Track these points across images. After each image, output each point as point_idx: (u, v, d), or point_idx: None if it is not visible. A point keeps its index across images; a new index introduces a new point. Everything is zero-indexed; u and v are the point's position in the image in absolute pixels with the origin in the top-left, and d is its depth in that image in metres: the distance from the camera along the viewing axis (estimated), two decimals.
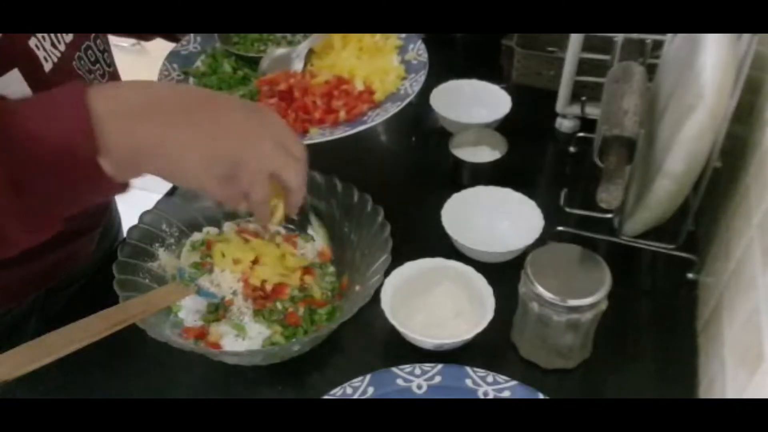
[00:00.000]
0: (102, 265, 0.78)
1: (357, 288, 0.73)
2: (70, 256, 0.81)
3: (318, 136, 0.78)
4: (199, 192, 0.60)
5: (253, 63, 0.92)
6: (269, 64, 0.91)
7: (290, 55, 0.91)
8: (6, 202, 0.48)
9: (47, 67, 0.67)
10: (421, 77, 0.87)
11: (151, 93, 0.52)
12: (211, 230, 0.80)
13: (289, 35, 0.99)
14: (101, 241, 0.88)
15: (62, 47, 0.70)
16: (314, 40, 0.92)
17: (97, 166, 0.48)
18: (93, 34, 0.75)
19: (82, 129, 0.47)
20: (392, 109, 0.80)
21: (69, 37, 0.71)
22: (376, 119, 0.79)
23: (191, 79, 0.90)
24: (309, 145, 0.63)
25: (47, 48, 0.67)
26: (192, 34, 0.95)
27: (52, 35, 0.68)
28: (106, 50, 0.79)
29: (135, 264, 0.73)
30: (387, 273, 0.71)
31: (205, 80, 0.90)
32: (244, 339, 0.69)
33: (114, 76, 0.81)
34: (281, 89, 0.84)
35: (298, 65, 0.90)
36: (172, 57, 0.91)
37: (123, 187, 0.52)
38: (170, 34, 0.93)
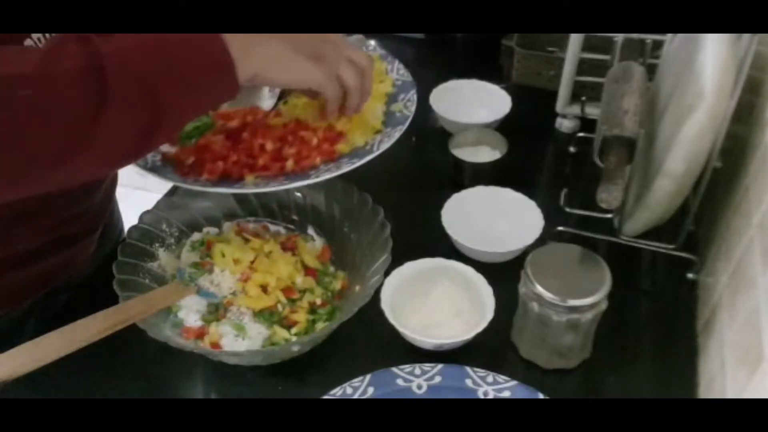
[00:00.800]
0: (102, 267, 0.77)
1: (357, 288, 0.73)
2: (69, 259, 0.81)
3: (251, 185, 0.68)
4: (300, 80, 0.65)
5: None
6: (240, 96, 0.70)
7: (264, 89, 0.77)
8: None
9: None
10: (395, 134, 0.75)
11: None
12: (211, 230, 0.80)
13: None
14: (101, 243, 0.88)
15: None
16: None
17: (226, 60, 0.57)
18: None
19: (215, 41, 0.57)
20: (345, 166, 0.69)
21: None
22: (324, 174, 0.68)
23: None
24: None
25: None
26: None
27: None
28: None
29: (135, 264, 0.73)
30: (387, 273, 0.71)
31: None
32: (244, 339, 0.69)
33: None
34: (232, 126, 0.74)
35: (268, 102, 0.77)
36: None
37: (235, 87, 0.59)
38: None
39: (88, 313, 0.69)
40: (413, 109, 0.78)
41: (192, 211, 0.80)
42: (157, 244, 0.76)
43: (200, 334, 0.70)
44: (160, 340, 0.62)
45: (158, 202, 0.79)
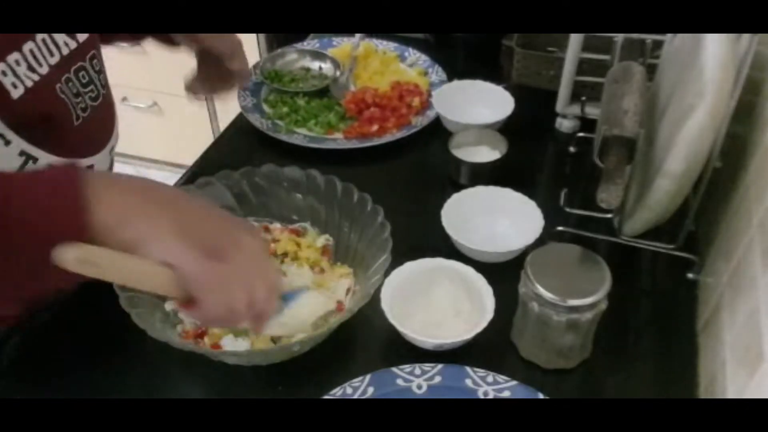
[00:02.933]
0: (85, 285, 0.76)
1: (357, 288, 0.73)
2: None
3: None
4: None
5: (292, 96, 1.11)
6: (336, 90, 1.11)
7: (342, 79, 1.13)
8: None
9: (15, 93, 0.62)
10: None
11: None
12: None
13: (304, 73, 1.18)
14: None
15: (44, 69, 0.65)
16: (353, 64, 1.15)
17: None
18: (89, 54, 0.72)
19: (70, 191, 0.47)
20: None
21: (55, 59, 0.67)
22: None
23: (280, 122, 1.05)
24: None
25: (21, 73, 0.63)
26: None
27: (32, 59, 0.64)
28: (102, 71, 0.76)
29: None
30: (387, 273, 0.71)
31: (294, 116, 1.07)
32: (244, 339, 0.69)
33: (107, 98, 0.77)
34: (370, 101, 1.05)
35: (351, 87, 1.12)
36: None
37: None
38: (164, 36, 0.92)
39: (71, 331, 0.71)
40: None
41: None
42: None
43: (200, 335, 0.70)
44: (160, 340, 0.62)
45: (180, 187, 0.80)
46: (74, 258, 0.46)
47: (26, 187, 0.48)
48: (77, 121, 0.71)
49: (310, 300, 0.68)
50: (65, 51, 0.68)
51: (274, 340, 0.69)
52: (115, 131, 0.80)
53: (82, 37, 0.70)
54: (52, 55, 0.67)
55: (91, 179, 0.49)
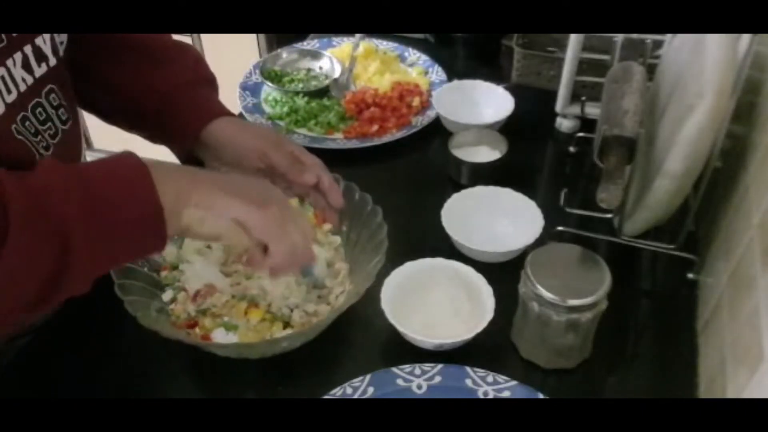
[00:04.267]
0: (61, 311, 0.76)
1: (350, 287, 0.73)
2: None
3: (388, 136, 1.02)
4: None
5: (292, 96, 1.11)
6: (336, 90, 1.12)
7: (343, 79, 1.14)
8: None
9: None
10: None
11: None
12: None
13: (304, 74, 1.18)
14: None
15: (0, 109, 0.61)
16: (353, 64, 1.14)
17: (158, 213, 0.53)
18: (46, 89, 0.66)
19: (141, 177, 0.53)
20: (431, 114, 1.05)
21: (12, 96, 0.62)
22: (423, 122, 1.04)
23: (281, 122, 1.06)
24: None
25: None
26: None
27: None
28: (62, 105, 0.69)
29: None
30: (386, 273, 0.71)
31: (294, 116, 1.07)
32: (234, 333, 0.70)
33: (70, 134, 0.71)
34: (370, 101, 1.06)
35: (352, 87, 1.13)
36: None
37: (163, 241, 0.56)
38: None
39: (50, 356, 0.71)
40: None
41: None
42: (231, 259, 0.76)
43: (191, 326, 0.71)
44: (151, 328, 0.63)
45: None
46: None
47: (104, 179, 0.53)
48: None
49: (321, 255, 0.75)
50: (23, 87, 0.63)
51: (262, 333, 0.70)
52: (81, 159, 0.76)
53: (39, 71, 0.65)
54: (9, 92, 0.62)
55: (150, 164, 0.54)
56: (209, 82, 0.82)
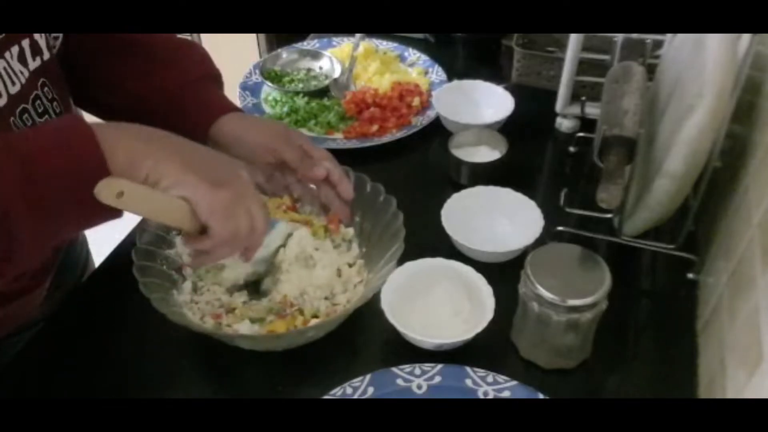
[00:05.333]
0: (61, 309, 0.76)
1: (370, 276, 0.74)
2: (12, 312, 0.75)
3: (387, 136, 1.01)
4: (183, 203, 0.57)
5: (292, 96, 1.11)
6: (336, 90, 1.12)
7: (343, 79, 1.14)
8: (21, 212, 0.49)
9: None
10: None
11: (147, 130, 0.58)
12: None
13: (303, 74, 1.18)
14: (59, 283, 0.82)
15: (2, 100, 0.62)
16: (353, 64, 1.14)
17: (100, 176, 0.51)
18: (40, 82, 0.67)
19: (90, 150, 0.51)
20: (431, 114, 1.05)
21: (15, 88, 0.63)
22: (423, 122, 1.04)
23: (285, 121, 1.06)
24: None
25: None
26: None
27: None
28: (56, 99, 0.70)
29: (152, 251, 0.73)
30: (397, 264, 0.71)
31: (294, 116, 1.07)
32: (260, 325, 0.70)
33: None
34: (370, 101, 1.06)
35: (352, 87, 1.13)
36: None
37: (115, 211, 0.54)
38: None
39: (50, 356, 0.71)
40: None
41: None
42: (174, 233, 0.77)
43: (217, 317, 0.71)
44: (181, 324, 0.63)
45: None
46: (110, 192, 0.51)
47: (46, 146, 0.51)
48: None
49: (281, 229, 0.76)
50: (23, 79, 0.64)
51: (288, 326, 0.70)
52: None
53: (34, 64, 0.65)
54: (13, 84, 0.63)
55: (101, 128, 0.52)
56: (215, 78, 0.82)
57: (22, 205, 0.49)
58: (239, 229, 0.59)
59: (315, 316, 0.72)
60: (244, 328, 0.70)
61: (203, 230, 0.59)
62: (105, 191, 0.51)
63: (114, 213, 0.53)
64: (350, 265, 0.77)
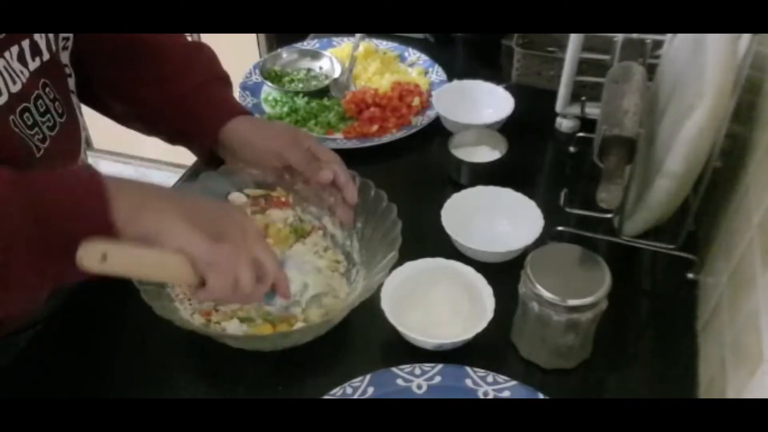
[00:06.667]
0: (64, 306, 0.76)
1: (363, 282, 0.74)
2: (11, 315, 0.73)
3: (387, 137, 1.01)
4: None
5: (292, 96, 1.11)
6: (336, 90, 1.12)
7: (343, 79, 1.13)
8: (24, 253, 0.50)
9: None
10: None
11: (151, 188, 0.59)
12: None
13: (304, 74, 1.17)
14: (57, 288, 0.84)
15: (3, 98, 0.61)
16: (353, 64, 1.14)
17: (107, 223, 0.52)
18: (41, 82, 0.66)
19: (96, 199, 0.52)
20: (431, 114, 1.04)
21: (16, 87, 0.63)
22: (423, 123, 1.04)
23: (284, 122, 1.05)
24: None
25: None
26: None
27: None
28: (57, 99, 0.69)
29: None
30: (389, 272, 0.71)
31: (294, 116, 1.06)
32: (248, 325, 0.70)
33: (69, 125, 0.71)
34: (370, 101, 1.05)
35: (352, 87, 1.12)
36: None
37: None
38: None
39: (50, 351, 0.71)
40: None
41: (211, 195, 0.79)
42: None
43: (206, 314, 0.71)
44: (187, 329, 0.63)
45: (177, 186, 0.80)
46: (93, 256, 0.50)
47: (54, 189, 0.52)
48: (39, 153, 0.66)
49: (297, 264, 0.74)
50: (24, 79, 0.64)
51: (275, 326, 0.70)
52: (81, 153, 0.76)
53: (33, 65, 0.65)
54: (14, 83, 0.62)
55: (110, 181, 0.53)
56: (223, 80, 0.82)
57: (22, 242, 0.49)
58: (240, 280, 0.59)
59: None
60: (232, 327, 0.70)
61: (203, 282, 0.58)
62: (87, 256, 0.50)
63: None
64: (334, 269, 0.78)
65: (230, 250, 0.58)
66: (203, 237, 0.56)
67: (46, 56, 0.67)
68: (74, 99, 0.74)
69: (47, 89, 0.68)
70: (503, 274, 0.72)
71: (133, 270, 0.56)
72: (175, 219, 0.55)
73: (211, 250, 0.56)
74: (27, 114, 0.65)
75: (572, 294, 0.63)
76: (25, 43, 0.64)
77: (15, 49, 0.63)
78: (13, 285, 0.50)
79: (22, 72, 0.64)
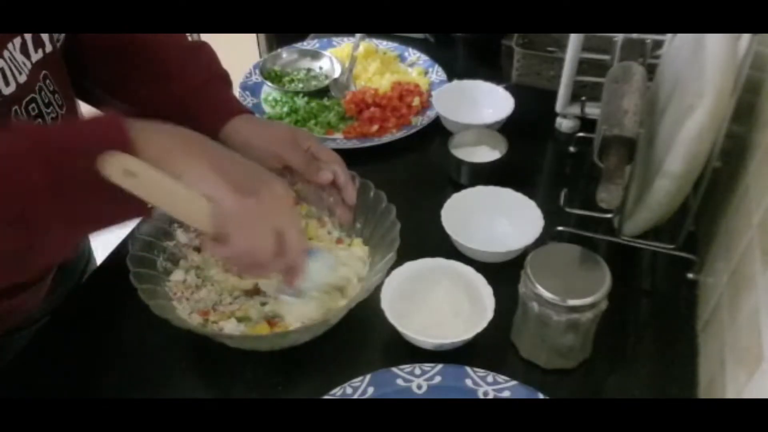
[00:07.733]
0: (64, 305, 0.77)
1: (359, 284, 0.74)
2: (15, 307, 0.75)
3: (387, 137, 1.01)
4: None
5: (292, 96, 1.11)
6: (336, 90, 1.12)
7: (343, 79, 1.13)
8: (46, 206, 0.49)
9: None
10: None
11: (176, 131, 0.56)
12: None
13: (303, 74, 1.18)
14: (62, 278, 0.83)
15: (11, 88, 0.62)
16: (353, 64, 1.14)
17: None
18: (42, 74, 0.67)
19: (116, 135, 0.50)
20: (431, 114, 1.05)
21: (22, 78, 0.63)
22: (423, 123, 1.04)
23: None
24: None
25: None
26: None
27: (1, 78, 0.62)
28: (57, 91, 0.70)
29: (151, 242, 0.73)
30: (387, 273, 0.71)
31: (294, 116, 1.07)
32: (246, 325, 0.70)
33: (71, 117, 0.73)
34: (370, 101, 1.06)
35: (352, 87, 1.13)
36: None
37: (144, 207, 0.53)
38: None
39: (50, 349, 0.71)
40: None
41: None
42: (176, 225, 0.77)
43: (205, 314, 0.71)
44: (162, 316, 0.63)
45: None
46: (117, 167, 0.48)
47: (76, 131, 0.51)
48: None
49: (329, 261, 0.69)
50: (26, 71, 0.64)
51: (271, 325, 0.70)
52: None
53: (36, 56, 0.66)
54: (20, 73, 0.63)
55: (136, 123, 0.52)
56: (223, 78, 0.82)
57: (44, 189, 0.48)
58: (259, 246, 0.57)
59: None
60: (230, 327, 0.70)
61: (218, 239, 0.56)
62: (111, 166, 0.48)
63: (139, 206, 0.52)
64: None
65: (255, 207, 0.55)
66: (231, 188, 0.54)
67: (48, 48, 0.68)
68: (73, 92, 0.75)
69: (48, 81, 0.68)
70: (503, 274, 0.72)
71: (159, 198, 0.53)
72: (206, 165, 0.54)
73: (237, 203, 0.54)
74: (33, 105, 0.65)
75: (572, 294, 0.63)
76: (28, 35, 0.64)
77: (18, 41, 0.63)
78: (40, 232, 0.49)
79: (24, 63, 0.64)
